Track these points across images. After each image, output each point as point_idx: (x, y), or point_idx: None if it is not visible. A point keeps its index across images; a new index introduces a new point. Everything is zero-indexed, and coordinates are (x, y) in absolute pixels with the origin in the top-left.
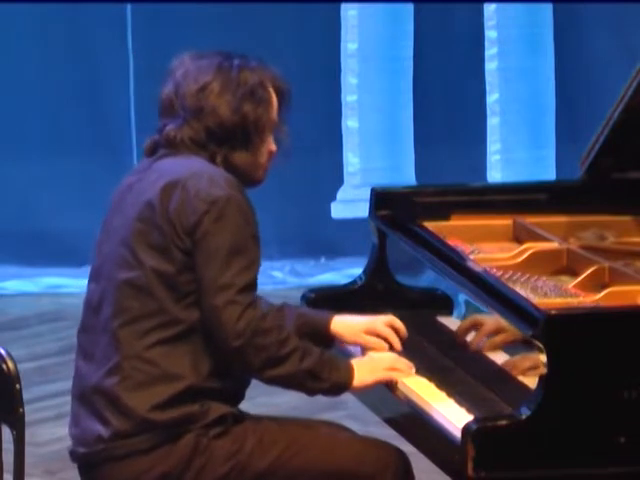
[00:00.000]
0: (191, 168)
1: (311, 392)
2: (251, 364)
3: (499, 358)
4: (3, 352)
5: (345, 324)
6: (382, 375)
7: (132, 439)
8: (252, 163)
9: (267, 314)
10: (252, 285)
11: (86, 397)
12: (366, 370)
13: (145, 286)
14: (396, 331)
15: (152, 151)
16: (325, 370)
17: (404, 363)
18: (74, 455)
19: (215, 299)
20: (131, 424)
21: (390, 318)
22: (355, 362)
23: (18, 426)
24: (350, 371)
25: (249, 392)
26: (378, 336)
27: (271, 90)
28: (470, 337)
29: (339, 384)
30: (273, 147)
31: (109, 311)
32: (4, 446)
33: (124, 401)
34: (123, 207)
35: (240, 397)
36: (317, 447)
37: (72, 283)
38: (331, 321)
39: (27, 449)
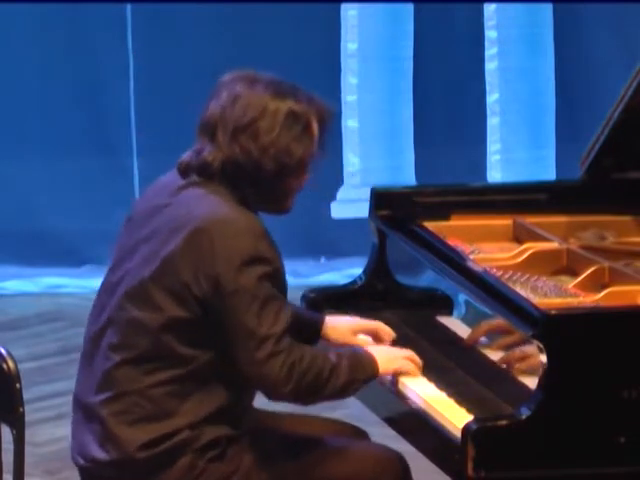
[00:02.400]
0: (218, 213)
1: (350, 395)
2: (301, 400)
3: (496, 355)
4: (3, 352)
5: (334, 327)
6: (401, 364)
7: (125, 468)
8: (283, 199)
9: (303, 351)
10: (287, 328)
11: (86, 413)
12: (386, 359)
13: (155, 330)
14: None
15: (185, 172)
16: (358, 372)
17: (417, 358)
18: (74, 460)
19: (257, 353)
20: (123, 456)
21: (377, 323)
22: (373, 350)
23: (18, 426)
24: (374, 364)
25: None
26: (368, 332)
27: (315, 126)
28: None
29: (370, 378)
30: (307, 177)
31: (114, 340)
32: (4, 446)
33: (117, 435)
34: (151, 232)
35: (241, 423)
36: (315, 458)
37: (72, 283)
38: (322, 323)
39: (27, 449)
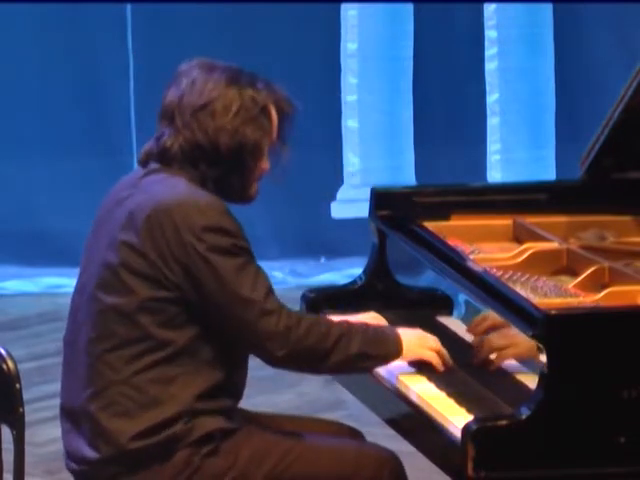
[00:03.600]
0: (178, 193)
1: (365, 370)
2: (301, 368)
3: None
4: (3, 352)
5: None
6: (428, 355)
7: (118, 463)
8: (243, 184)
9: (301, 316)
10: (270, 288)
11: (73, 415)
12: (415, 343)
13: (130, 313)
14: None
15: (145, 161)
16: (372, 347)
17: (445, 353)
18: (68, 467)
19: (245, 314)
20: (115, 451)
21: (373, 314)
22: (403, 332)
23: (18, 426)
24: (398, 342)
25: (247, 391)
26: None
27: (274, 113)
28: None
29: (388, 357)
30: (266, 166)
31: (91, 334)
32: (4, 446)
33: (108, 428)
34: (111, 224)
35: (233, 411)
36: (311, 456)
37: (72, 283)
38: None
39: (27, 449)
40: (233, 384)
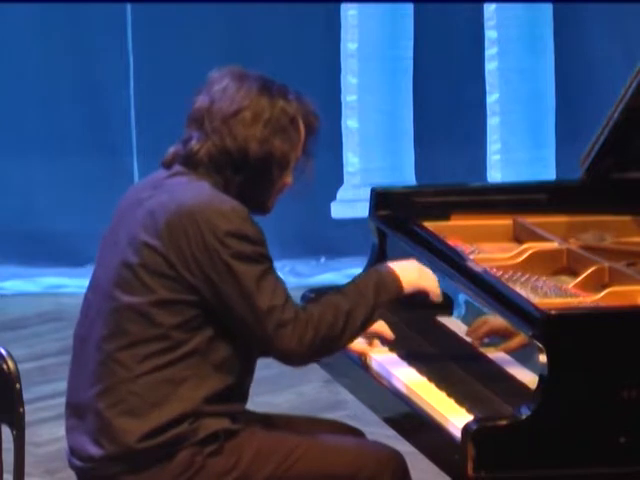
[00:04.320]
0: (201, 197)
1: (372, 324)
2: (319, 360)
3: (496, 355)
4: (3, 352)
5: None
6: (426, 284)
7: (122, 461)
8: (264, 195)
9: (309, 314)
10: (288, 296)
11: (80, 411)
12: (414, 275)
13: (147, 312)
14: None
15: (170, 164)
16: (375, 299)
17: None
18: (70, 464)
19: (261, 324)
20: (121, 449)
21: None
22: (397, 266)
23: (18, 426)
24: (397, 280)
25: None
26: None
27: (302, 127)
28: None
29: (392, 299)
30: (289, 180)
31: (103, 331)
32: (4, 446)
33: (115, 426)
34: (131, 223)
35: (239, 413)
36: (314, 455)
37: (72, 283)
38: None
39: (27, 449)
40: (241, 387)
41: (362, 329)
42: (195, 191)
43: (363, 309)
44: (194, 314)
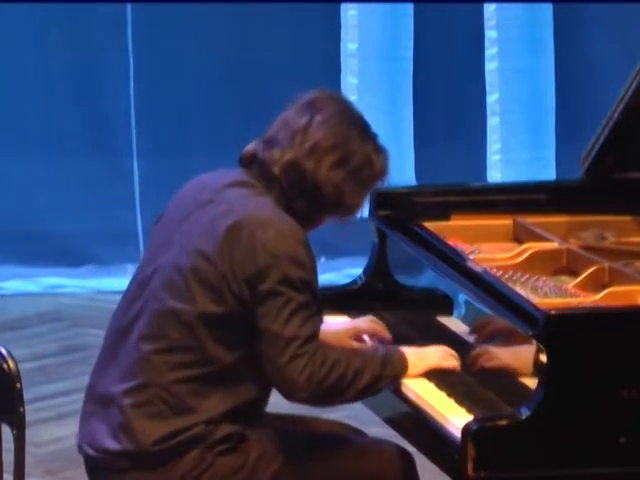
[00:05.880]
0: (262, 213)
1: (376, 393)
2: (318, 404)
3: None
4: (4, 351)
5: (330, 332)
6: (434, 363)
7: (135, 459)
8: (316, 223)
9: (326, 356)
10: (314, 333)
11: (104, 401)
12: (418, 357)
13: (189, 321)
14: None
15: (248, 163)
16: (381, 371)
17: (452, 354)
18: (82, 451)
19: (281, 354)
20: (136, 448)
21: (370, 318)
22: (407, 351)
23: (18, 426)
24: (404, 361)
25: None
26: (367, 334)
27: (377, 184)
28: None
29: (395, 377)
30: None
31: (144, 331)
32: (4, 446)
33: (135, 427)
34: (189, 226)
35: (253, 422)
36: (319, 453)
37: (72, 283)
38: None
39: (27, 449)
40: (264, 401)
41: (363, 394)
42: (257, 206)
43: (370, 372)
44: (232, 330)
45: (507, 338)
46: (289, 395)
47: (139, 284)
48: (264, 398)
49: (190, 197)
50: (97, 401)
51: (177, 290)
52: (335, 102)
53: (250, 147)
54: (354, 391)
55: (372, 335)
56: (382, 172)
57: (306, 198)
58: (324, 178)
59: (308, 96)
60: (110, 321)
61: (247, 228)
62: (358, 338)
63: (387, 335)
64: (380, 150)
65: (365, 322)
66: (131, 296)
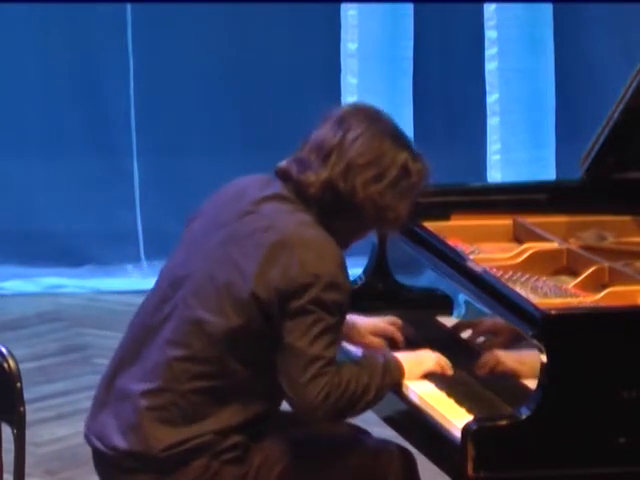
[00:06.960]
0: (304, 232)
1: (378, 402)
2: (329, 420)
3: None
4: (4, 351)
5: (353, 326)
6: (428, 368)
7: (143, 462)
8: (355, 239)
9: (341, 377)
10: (335, 357)
11: (120, 396)
12: (412, 364)
13: (214, 334)
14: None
15: (282, 177)
16: (382, 381)
17: (445, 361)
18: (89, 442)
19: (304, 372)
20: (145, 452)
21: (392, 319)
22: (402, 357)
23: (18, 426)
24: (400, 369)
25: None
26: (383, 335)
27: (418, 190)
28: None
29: (394, 385)
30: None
31: (171, 335)
32: (4, 446)
33: (147, 430)
34: (227, 235)
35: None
36: (320, 455)
37: (72, 283)
38: None
39: (27, 449)
40: (274, 413)
41: (369, 405)
42: (299, 223)
43: (374, 385)
44: (253, 347)
45: (495, 336)
46: (304, 413)
47: (171, 285)
48: (274, 411)
49: (228, 204)
50: (113, 393)
51: (207, 301)
52: (366, 115)
53: (283, 165)
54: (362, 404)
55: (384, 335)
56: (420, 179)
57: (347, 218)
58: (362, 197)
59: (338, 112)
60: (138, 312)
61: (288, 247)
62: (376, 334)
63: (400, 337)
64: (416, 156)
65: (384, 322)
66: (163, 295)
